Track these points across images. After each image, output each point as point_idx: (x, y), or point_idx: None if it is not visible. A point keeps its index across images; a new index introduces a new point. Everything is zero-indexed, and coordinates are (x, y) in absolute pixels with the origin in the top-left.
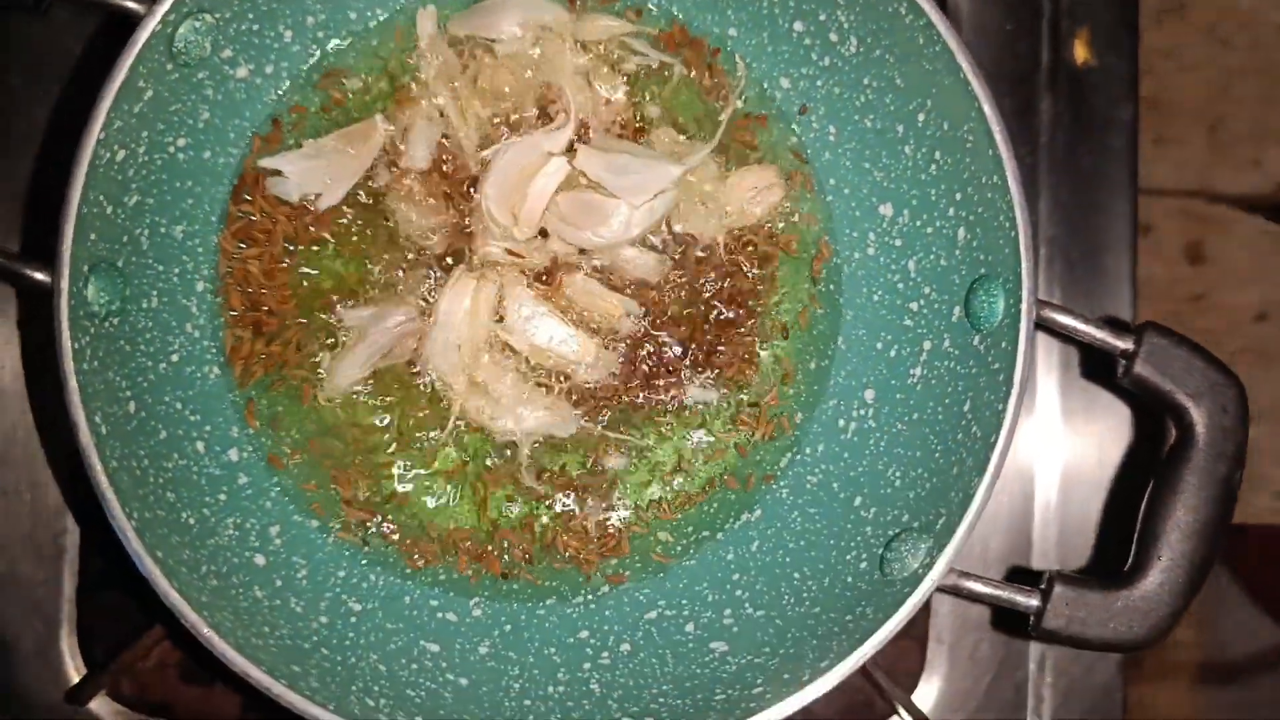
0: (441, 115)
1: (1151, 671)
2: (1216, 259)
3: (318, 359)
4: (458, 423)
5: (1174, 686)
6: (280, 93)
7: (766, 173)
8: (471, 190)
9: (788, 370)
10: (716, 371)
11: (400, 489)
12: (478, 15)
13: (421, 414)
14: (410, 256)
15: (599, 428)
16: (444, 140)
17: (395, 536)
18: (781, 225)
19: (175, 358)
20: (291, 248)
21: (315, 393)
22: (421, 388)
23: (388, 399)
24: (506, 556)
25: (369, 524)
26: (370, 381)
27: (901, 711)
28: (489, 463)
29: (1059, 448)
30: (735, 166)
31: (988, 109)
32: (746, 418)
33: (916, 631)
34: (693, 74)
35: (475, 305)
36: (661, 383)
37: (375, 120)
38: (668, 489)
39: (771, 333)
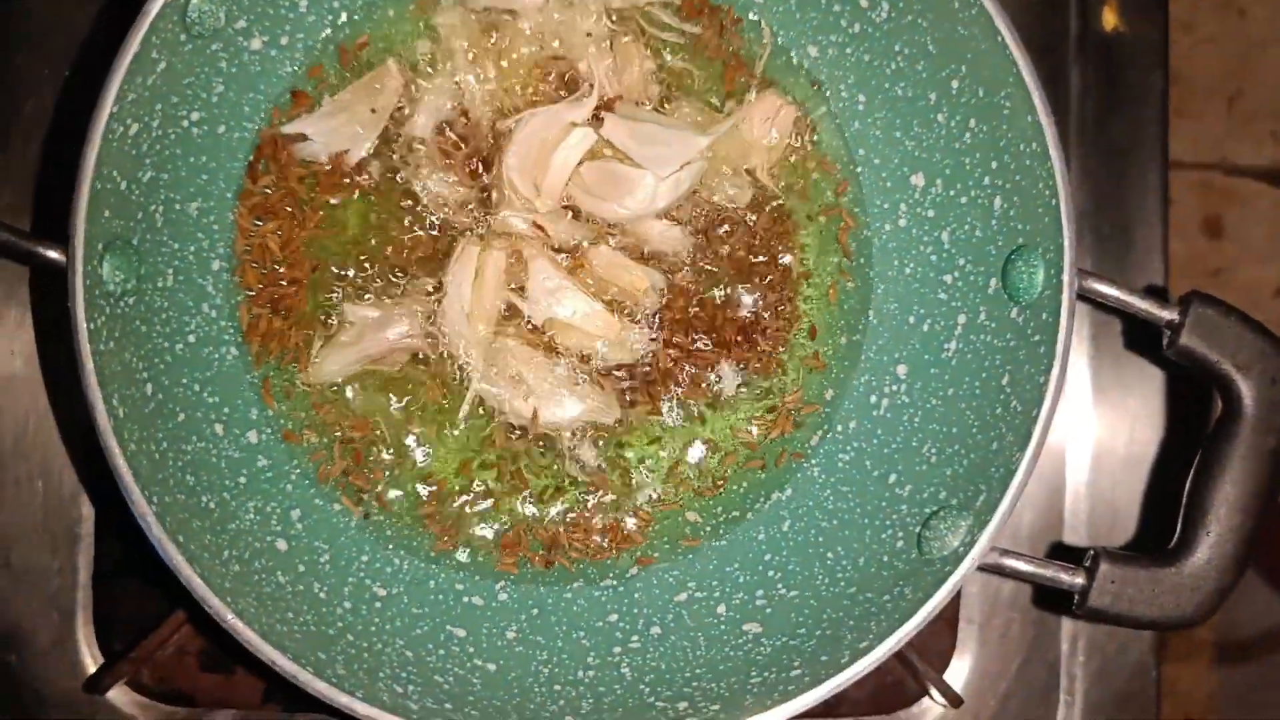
0: (456, 85)
1: (1176, 652)
2: (1235, 233)
3: (313, 337)
4: (477, 408)
5: (1197, 665)
6: (296, 65)
7: (770, 99)
8: (490, 160)
9: (815, 365)
10: (741, 365)
11: (421, 476)
12: None
13: (440, 398)
14: (422, 233)
15: (631, 409)
16: (460, 112)
17: (411, 518)
18: (803, 158)
19: (192, 338)
20: (309, 206)
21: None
22: (436, 373)
23: (404, 385)
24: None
25: (383, 505)
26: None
27: (934, 691)
28: (514, 452)
29: (1091, 421)
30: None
31: (1027, 75)
32: (761, 416)
33: (947, 611)
34: (713, 42)
35: (483, 273)
36: (682, 369)
37: (389, 65)
38: (682, 479)
39: (797, 333)
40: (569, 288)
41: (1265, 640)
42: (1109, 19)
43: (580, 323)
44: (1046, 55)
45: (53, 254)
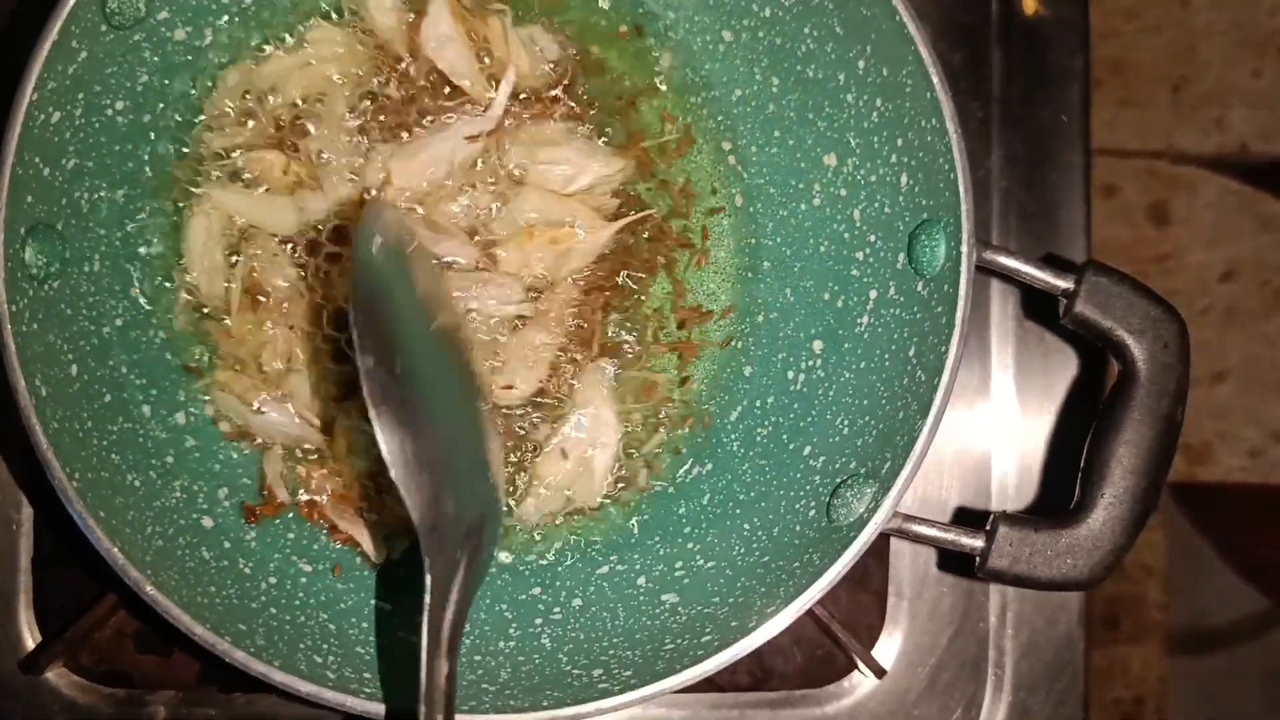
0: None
1: (1128, 633)
2: (1182, 219)
3: None
4: None
5: (1148, 646)
6: (221, 56)
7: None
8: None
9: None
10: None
11: None
12: None
13: None
14: None
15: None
16: None
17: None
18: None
19: (119, 322)
20: None
21: None
22: None
23: None
24: None
25: None
26: None
27: (861, 665)
28: None
29: (1011, 390)
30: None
31: (924, 51)
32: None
33: (876, 585)
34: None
35: None
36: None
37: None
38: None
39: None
40: None
41: (1232, 629)
42: (1029, 4)
43: None
44: (968, 39)
45: None
